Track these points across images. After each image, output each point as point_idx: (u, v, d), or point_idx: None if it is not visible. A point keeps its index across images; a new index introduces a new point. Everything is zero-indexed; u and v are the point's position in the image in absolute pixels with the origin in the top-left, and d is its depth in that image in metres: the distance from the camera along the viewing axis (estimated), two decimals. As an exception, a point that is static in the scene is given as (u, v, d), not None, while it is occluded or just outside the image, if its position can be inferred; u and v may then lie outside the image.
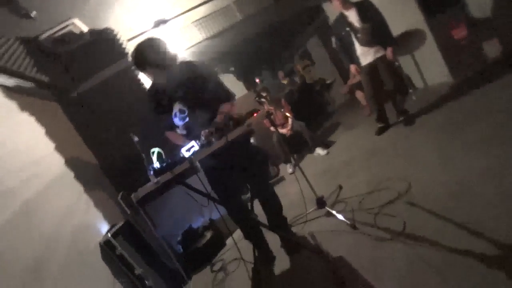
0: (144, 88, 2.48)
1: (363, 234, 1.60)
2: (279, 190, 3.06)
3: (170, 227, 2.70)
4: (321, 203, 2.05)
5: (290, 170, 3.41)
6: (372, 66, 2.72)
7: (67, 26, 2.20)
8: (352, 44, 2.74)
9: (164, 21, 2.88)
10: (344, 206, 2.00)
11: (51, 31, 2.18)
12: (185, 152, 1.43)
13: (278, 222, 1.94)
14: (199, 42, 3.23)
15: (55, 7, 2.01)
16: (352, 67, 2.81)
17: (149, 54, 1.55)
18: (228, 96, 1.78)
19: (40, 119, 2.06)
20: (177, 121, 1.78)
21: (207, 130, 1.53)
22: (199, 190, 1.52)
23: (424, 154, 2.04)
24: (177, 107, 1.74)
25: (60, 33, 2.22)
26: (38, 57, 2.19)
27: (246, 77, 5.39)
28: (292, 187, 2.93)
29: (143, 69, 1.62)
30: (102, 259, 1.82)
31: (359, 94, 3.96)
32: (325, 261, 1.55)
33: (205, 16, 3.21)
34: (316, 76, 5.85)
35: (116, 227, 2.06)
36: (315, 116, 4.97)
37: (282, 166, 3.78)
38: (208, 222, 2.65)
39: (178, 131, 1.82)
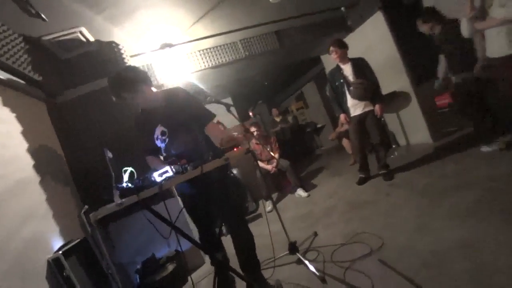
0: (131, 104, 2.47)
1: (331, 289, 1.52)
2: (255, 227, 2.96)
3: (131, 252, 2.50)
4: (293, 248, 1.98)
5: (268, 208, 3.34)
6: (361, 118, 2.88)
7: (73, 33, 2.26)
8: (344, 95, 2.91)
9: (170, 45, 3.00)
10: (316, 255, 1.94)
11: (56, 34, 2.22)
12: (157, 177, 1.39)
13: (248, 263, 1.83)
14: (202, 70, 3.34)
15: (65, 13, 2.06)
16: (342, 116, 2.94)
17: (117, 86, 1.58)
18: (208, 116, 1.79)
19: (21, 117, 1.99)
20: (159, 143, 1.78)
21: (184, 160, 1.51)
22: (164, 218, 1.44)
23: (403, 215, 2.04)
24: (159, 130, 1.75)
25: (64, 38, 2.26)
26: (36, 56, 2.19)
27: (241, 108, 5.52)
28: (267, 226, 2.84)
29: (118, 98, 1.63)
30: (46, 278, 1.63)
31: (345, 143, 4.08)
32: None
33: (211, 48, 3.37)
34: (308, 118, 6.07)
35: (71, 244, 1.89)
36: (302, 156, 5.04)
37: (262, 202, 3.71)
38: (174, 253, 2.48)
39: (161, 156, 1.81)
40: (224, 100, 5.17)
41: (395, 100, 3.66)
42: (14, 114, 1.96)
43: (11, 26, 1.99)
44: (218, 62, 3.41)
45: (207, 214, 1.88)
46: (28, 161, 1.94)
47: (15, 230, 1.58)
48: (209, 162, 1.43)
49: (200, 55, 3.33)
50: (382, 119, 3.37)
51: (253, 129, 3.63)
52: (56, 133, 2.38)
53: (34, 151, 2.00)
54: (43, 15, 1.97)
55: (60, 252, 1.74)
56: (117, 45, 2.55)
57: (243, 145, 1.69)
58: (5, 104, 1.91)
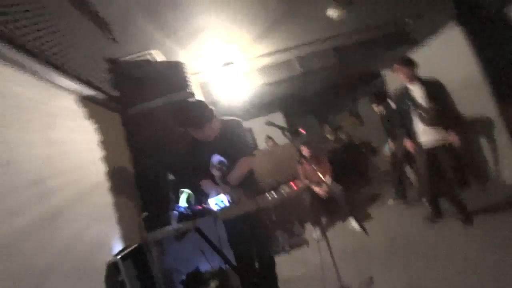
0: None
1: None
2: (297, 254, 2.81)
3: (178, 260, 2.59)
4: (345, 293, 1.77)
5: (315, 236, 3.12)
6: (434, 150, 2.46)
7: (145, 54, 2.50)
8: (411, 121, 2.56)
9: (228, 63, 3.11)
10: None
11: (131, 56, 2.49)
12: (213, 204, 1.39)
13: None
14: (256, 87, 3.39)
15: (140, 37, 2.32)
16: (408, 143, 2.59)
17: (183, 118, 1.72)
18: (249, 151, 1.90)
19: (100, 128, 2.25)
20: (214, 171, 1.82)
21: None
22: (213, 244, 1.44)
23: (478, 273, 1.67)
24: (216, 158, 1.79)
25: (138, 59, 2.53)
26: (114, 74, 2.49)
27: (291, 123, 5.42)
28: (313, 257, 2.64)
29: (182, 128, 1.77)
30: (104, 281, 1.77)
31: (408, 169, 3.61)
32: None
33: (267, 65, 3.39)
34: (363, 137, 5.63)
35: (128, 249, 2.03)
36: (356, 180, 4.66)
37: (308, 226, 3.50)
38: (217, 270, 2.48)
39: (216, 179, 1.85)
40: (274, 115, 5.16)
41: (477, 127, 3.12)
42: (94, 126, 2.23)
43: (95, 49, 2.29)
44: (273, 79, 3.41)
45: (247, 242, 1.87)
46: (101, 167, 2.17)
47: (82, 230, 1.74)
48: (269, 198, 1.38)
49: (256, 72, 3.38)
50: (461, 151, 2.86)
51: (304, 150, 3.49)
52: (127, 143, 2.64)
53: (107, 159, 2.23)
54: (117, 40, 2.23)
55: (118, 257, 1.88)
56: (182, 64, 2.74)
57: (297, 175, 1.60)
58: (88, 116, 2.19)
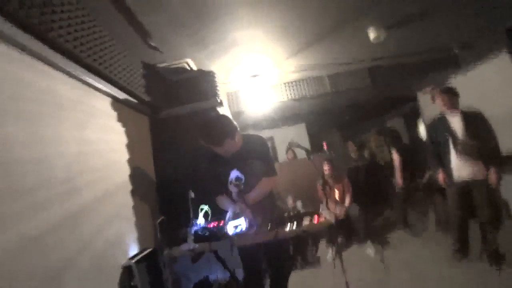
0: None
1: None
2: (309, 273, 2.72)
3: (188, 268, 2.60)
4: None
5: (329, 256, 3.02)
6: (468, 186, 2.30)
7: (181, 62, 2.57)
8: (447, 153, 2.39)
9: (258, 76, 3.11)
10: None
11: (168, 63, 2.56)
12: (230, 228, 1.37)
13: None
14: (283, 101, 3.35)
15: (177, 46, 2.38)
16: (440, 176, 2.42)
17: (204, 133, 1.69)
18: (273, 172, 1.85)
19: (128, 131, 2.33)
20: (232, 187, 1.80)
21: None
22: (227, 266, 1.42)
23: None
24: (234, 174, 1.77)
25: (174, 66, 2.59)
26: (148, 79, 2.57)
27: (314, 136, 5.30)
28: (327, 279, 2.55)
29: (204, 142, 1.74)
30: (118, 283, 1.81)
31: (437, 200, 3.39)
32: None
33: (297, 81, 3.34)
34: (388, 158, 5.38)
35: (142, 253, 2.06)
36: (376, 203, 4.45)
37: (322, 244, 3.39)
38: (227, 281, 2.46)
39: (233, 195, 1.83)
40: (297, 126, 5.07)
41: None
42: (123, 128, 2.30)
43: (134, 54, 2.37)
44: (301, 95, 3.36)
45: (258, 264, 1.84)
46: (126, 168, 2.24)
47: (101, 229, 1.78)
48: (287, 230, 1.34)
49: (285, 87, 3.34)
50: (498, 190, 2.66)
51: (326, 167, 3.40)
52: (152, 146, 2.71)
53: (132, 160, 2.30)
54: (159, 48, 2.29)
55: (133, 261, 1.92)
56: (213, 74, 2.77)
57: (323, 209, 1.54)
58: (119, 119, 2.27)
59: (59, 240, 1.40)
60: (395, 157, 3.68)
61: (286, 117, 4.62)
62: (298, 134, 5.07)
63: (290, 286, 1.90)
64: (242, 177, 1.80)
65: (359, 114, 5.24)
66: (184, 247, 1.34)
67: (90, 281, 1.57)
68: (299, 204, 3.38)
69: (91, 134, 1.83)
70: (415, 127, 4.68)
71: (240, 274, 1.85)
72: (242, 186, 1.78)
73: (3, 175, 1.13)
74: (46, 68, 1.56)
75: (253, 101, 3.29)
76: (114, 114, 2.20)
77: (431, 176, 3.00)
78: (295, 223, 1.37)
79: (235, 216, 1.54)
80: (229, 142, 1.71)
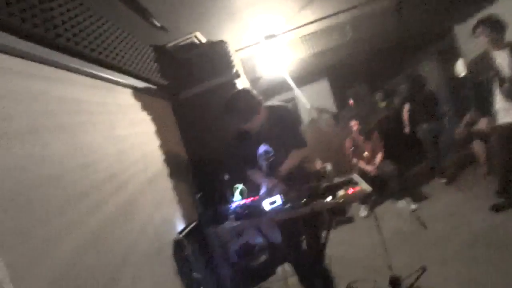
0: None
1: None
2: (343, 232, 2.85)
3: (231, 233, 2.85)
4: (395, 283, 1.78)
5: (363, 214, 3.10)
6: None
7: (190, 37, 2.45)
8: (491, 94, 2.17)
9: (273, 36, 2.89)
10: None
11: (177, 41, 2.46)
12: (267, 205, 1.44)
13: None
14: (302, 58, 3.13)
15: (183, 20, 2.25)
16: (484, 122, 2.24)
17: (230, 113, 1.68)
18: (303, 144, 1.83)
19: (154, 119, 2.40)
20: (261, 161, 1.83)
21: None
22: (267, 238, 1.55)
23: None
24: (262, 148, 1.78)
25: (183, 43, 2.49)
26: (162, 62, 2.52)
27: (339, 91, 4.98)
28: (362, 236, 2.66)
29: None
30: (172, 255, 2.06)
31: (477, 146, 3.18)
32: None
33: (315, 32, 3.05)
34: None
35: (189, 227, 2.29)
36: (410, 153, 4.28)
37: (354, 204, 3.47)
38: (266, 245, 2.68)
39: (263, 169, 1.87)
40: (319, 83, 4.80)
41: None
42: (149, 117, 2.37)
43: (142, 39, 2.30)
44: (321, 47, 3.10)
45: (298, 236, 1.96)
46: (159, 156, 2.37)
47: (152, 214, 2.00)
48: (324, 202, 1.37)
49: (302, 41, 3.09)
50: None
51: (353, 123, 3.28)
52: (179, 129, 2.79)
53: (163, 147, 2.41)
54: (165, 27, 2.18)
55: (181, 235, 2.15)
56: (225, 44, 2.63)
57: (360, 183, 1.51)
58: (143, 108, 2.32)
59: (118, 232, 1.59)
60: (405, 108, 3.83)
61: (307, 75, 4.37)
62: (321, 91, 4.81)
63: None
64: (271, 150, 1.82)
65: (387, 59, 4.76)
66: (227, 225, 1.46)
67: (150, 260, 1.80)
68: (328, 167, 3.37)
69: (122, 131, 1.92)
70: (452, 66, 4.15)
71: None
72: (272, 159, 1.82)
73: (58, 187, 1.26)
74: (67, 74, 1.59)
75: (270, 64, 3.12)
76: (138, 106, 2.25)
77: (471, 121, 2.76)
78: (330, 195, 1.39)
79: (270, 193, 1.61)
80: (255, 118, 1.70)
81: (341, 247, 2.62)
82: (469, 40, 3.07)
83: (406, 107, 3.93)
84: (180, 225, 2.31)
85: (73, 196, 1.32)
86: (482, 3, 2.87)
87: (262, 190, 1.73)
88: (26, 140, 1.16)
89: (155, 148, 2.34)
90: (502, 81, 2.07)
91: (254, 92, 1.77)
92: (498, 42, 2.06)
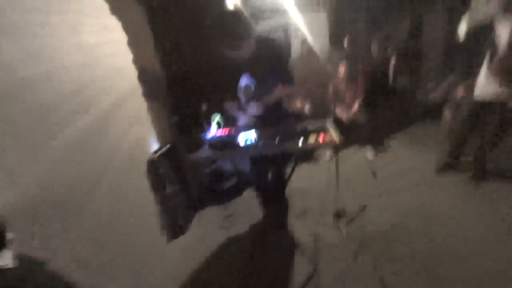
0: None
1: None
2: (305, 168, 3.13)
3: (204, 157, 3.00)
4: (339, 214, 2.13)
5: (327, 155, 3.35)
6: (486, 107, 2.17)
7: None
8: (478, 64, 2.16)
9: None
10: (358, 229, 2.06)
11: None
12: (242, 139, 1.50)
13: None
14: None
15: None
16: (461, 90, 2.30)
17: (218, 36, 1.49)
18: (290, 82, 1.79)
19: (126, 27, 2.09)
20: (241, 94, 1.78)
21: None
22: (236, 169, 1.69)
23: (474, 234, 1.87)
24: (244, 81, 1.71)
25: None
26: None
27: (336, 26, 4.56)
28: (320, 174, 2.97)
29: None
30: (147, 173, 2.17)
31: (447, 110, 3.34)
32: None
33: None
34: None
35: (163, 149, 2.36)
36: (384, 105, 4.38)
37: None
38: (235, 171, 2.89)
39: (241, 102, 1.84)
40: (317, 14, 4.31)
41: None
42: (120, 23, 2.06)
43: None
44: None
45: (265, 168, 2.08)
46: (132, 70, 2.18)
47: (125, 132, 1.99)
48: (295, 144, 1.44)
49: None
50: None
51: (341, 68, 3.19)
52: (154, 40, 2.49)
53: (136, 61, 2.20)
54: None
55: (156, 155, 2.22)
56: None
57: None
58: (113, 11, 1.99)
59: (92, 148, 1.59)
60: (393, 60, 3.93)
61: (305, 2, 3.88)
62: (317, 23, 4.37)
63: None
64: (252, 84, 1.77)
65: (392, 2, 4.28)
66: (201, 153, 1.53)
67: (125, 175, 1.89)
68: (306, 107, 3.42)
69: (88, 38, 1.68)
70: (455, 25, 3.87)
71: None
72: (252, 93, 1.79)
73: (17, 96, 1.16)
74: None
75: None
76: (106, 8, 1.92)
77: (450, 85, 2.83)
78: (301, 138, 1.47)
79: (246, 127, 1.64)
80: (244, 46, 1.55)
81: (300, 181, 2.93)
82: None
83: (393, 60, 3.93)
84: (155, 146, 2.35)
85: (34, 108, 1.24)
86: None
87: (238, 124, 1.75)
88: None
89: (127, 62, 2.13)
90: (493, 55, 2.04)
91: (247, 16, 1.56)
92: (509, 11, 1.93)
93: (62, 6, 1.50)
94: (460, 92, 2.28)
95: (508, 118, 2.13)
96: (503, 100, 2.08)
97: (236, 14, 1.50)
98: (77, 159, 1.45)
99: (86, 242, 1.39)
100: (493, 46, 2.01)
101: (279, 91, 1.75)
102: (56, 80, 1.39)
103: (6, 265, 0.74)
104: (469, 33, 2.22)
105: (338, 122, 3.29)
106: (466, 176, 2.47)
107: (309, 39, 4.15)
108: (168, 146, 2.45)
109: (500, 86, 2.04)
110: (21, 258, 0.80)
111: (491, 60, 2.04)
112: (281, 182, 2.23)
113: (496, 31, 2.00)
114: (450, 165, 2.61)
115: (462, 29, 2.25)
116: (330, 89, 3.33)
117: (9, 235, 0.79)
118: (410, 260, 1.72)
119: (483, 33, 2.09)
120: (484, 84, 2.12)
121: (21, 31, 1.23)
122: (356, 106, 3.28)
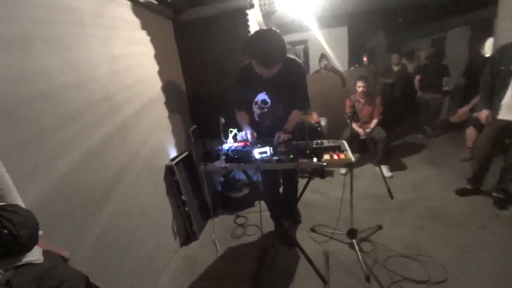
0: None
1: (368, 292, 1.66)
2: (322, 184, 3.10)
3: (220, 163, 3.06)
4: (352, 234, 2.08)
5: (343, 171, 3.32)
6: (508, 127, 2.13)
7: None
8: (504, 88, 2.09)
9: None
10: (371, 250, 2.01)
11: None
12: (257, 153, 1.53)
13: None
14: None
15: None
16: (484, 114, 2.23)
17: (255, 50, 1.51)
18: (305, 106, 1.86)
19: (153, 40, 2.23)
20: (255, 108, 1.83)
21: (282, 136, 1.59)
22: (251, 178, 1.72)
23: (484, 259, 1.79)
24: (262, 96, 1.76)
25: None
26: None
27: (356, 41, 4.56)
28: (335, 190, 2.93)
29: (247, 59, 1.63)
30: (163, 178, 2.25)
31: (469, 132, 3.23)
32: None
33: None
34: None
35: (181, 156, 2.43)
36: (406, 123, 4.29)
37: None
38: (248, 181, 2.92)
39: (255, 116, 1.89)
40: (337, 29, 4.41)
41: None
42: (148, 37, 2.20)
43: None
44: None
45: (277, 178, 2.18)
46: (157, 81, 2.30)
47: (146, 137, 2.08)
48: (307, 161, 1.46)
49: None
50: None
51: (359, 84, 3.19)
52: (179, 54, 2.63)
53: (161, 72, 2.33)
54: None
55: (174, 162, 2.30)
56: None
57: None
58: (142, 26, 2.13)
59: (113, 151, 1.68)
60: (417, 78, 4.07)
61: (326, 18, 3.95)
62: (338, 38, 4.42)
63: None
64: (269, 101, 1.83)
65: (414, 18, 4.27)
66: (217, 164, 1.58)
67: (143, 179, 1.97)
68: (322, 122, 3.42)
69: (118, 49, 1.81)
70: (480, 43, 3.79)
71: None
72: (266, 111, 1.84)
73: (52, 102, 1.26)
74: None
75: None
76: (137, 22, 2.06)
77: (474, 108, 2.75)
78: (316, 156, 1.48)
79: (261, 142, 1.68)
80: (275, 67, 1.60)
81: (315, 195, 2.90)
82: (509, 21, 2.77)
83: (418, 77, 3.94)
84: (173, 153, 2.44)
85: (67, 114, 1.34)
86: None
87: (242, 136, 1.79)
88: (13, 48, 1.11)
89: (153, 72, 2.26)
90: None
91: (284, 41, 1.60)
92: None
93: (96, 20, 1.63)
94: (483, 115, 2.21)
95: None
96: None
97: (279, 36, 1.51)
98: (98, 162, 1.53)
99: (98, 245, 1.45)
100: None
101: (297, 114, 1.83)
102: (86, 88, 1.50)
103: (37, 260, 0.80)
104: (496, 52, 2.17)
105: (355, 138, 3.27)
106: (487, 200, 2.36)
107: (329, 54, 4.21)
108: (185, 153, 2.52)
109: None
110: (45, 254, 0.86)
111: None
112: (294, 196, 2.23)
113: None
114: (471, 191, 2.51)
115: (489, 45, 2.20)
116: (348, 106, 3.32)
117: (40, 233, 0.85)
118: (425, 282, 1.65)
119: (508, 52, 2.04)
120: (509, 108, 2.08)
121: (60, 42, 1.35)
122: (372, 125, 3.24)
